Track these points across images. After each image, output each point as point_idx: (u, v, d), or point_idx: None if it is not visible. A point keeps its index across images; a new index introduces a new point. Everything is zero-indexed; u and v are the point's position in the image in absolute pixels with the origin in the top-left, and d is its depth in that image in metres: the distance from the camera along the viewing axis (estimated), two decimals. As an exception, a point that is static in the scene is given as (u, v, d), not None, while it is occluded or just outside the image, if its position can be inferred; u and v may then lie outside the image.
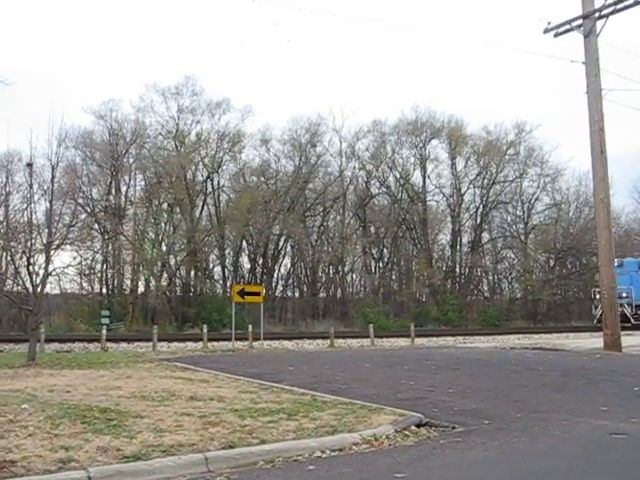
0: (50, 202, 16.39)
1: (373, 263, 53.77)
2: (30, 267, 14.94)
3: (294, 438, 6.83)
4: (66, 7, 72.58)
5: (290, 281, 52.01)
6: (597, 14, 19.02)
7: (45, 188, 16.66)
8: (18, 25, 68.31)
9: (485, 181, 55.35)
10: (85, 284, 43.60)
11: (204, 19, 75.74)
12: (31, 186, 16.31)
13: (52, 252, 15.29)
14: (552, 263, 56.75)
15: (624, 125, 67.47)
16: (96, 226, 45.98)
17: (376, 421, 7.69)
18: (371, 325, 25.31)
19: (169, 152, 48.52)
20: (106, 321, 22.89)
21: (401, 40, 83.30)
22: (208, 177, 49.25)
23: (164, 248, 44.81)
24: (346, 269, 52.67)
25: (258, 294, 23.54)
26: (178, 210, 47.75)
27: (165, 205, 49.76)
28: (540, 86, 78.12)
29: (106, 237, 43.81)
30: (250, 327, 22.44)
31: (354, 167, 53.84)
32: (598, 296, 37.97)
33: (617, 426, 7.66)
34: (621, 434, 7.24)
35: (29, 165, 16.66)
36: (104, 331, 21.01)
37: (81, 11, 72.62)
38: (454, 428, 7.66)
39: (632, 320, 38.65)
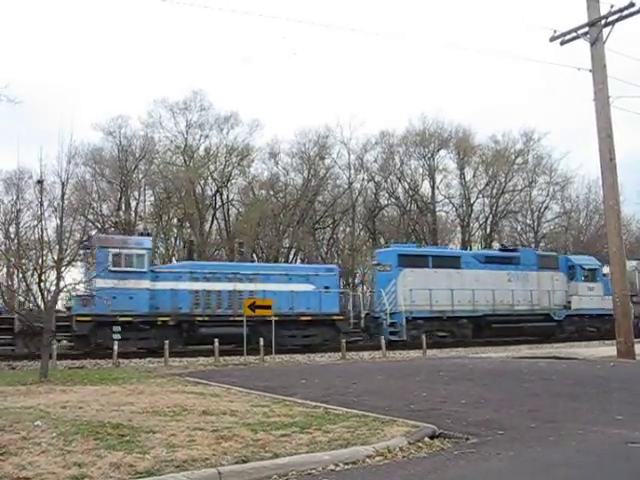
0: (60, 219, 16.45)
1: (384, 274, 53.66)
2: (41, 284, 14.99)
3: (307, 451, 6.80)
4: (74, 24, 73.28)
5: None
6: (603, 21, 19.00)
7: (55, 205, 16.73)
8: (27, 41, 68.99)
9: (494, 190, 55.34)
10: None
11: (211, 34, 76.32)
12: (41, 203, 16.39)
13: (63, 269, 15.35)
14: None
15: (633, 131, 67.29)
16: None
17: (389, 433, 7.64)
18: (382, 337, 25.20)
19: (178, 167, 48.79)
20: (117, 337, 22.84)
21: (408, 51, 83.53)
22: (217, 191, 49.43)
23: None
24: (357, 281, 52.61)
25: (269, 307, 23.49)
26: (188, 225, 47.91)
27: (175, 220, 49.98)
28: (548, 94, 78.12)
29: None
30: (261, 340, 22.42)
31: (363, 179, 54.03)
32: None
33: (633, 435, 7.58)
34: (637, 443, 7.16)
35: (39, 182, 16.74)
36: (116, 347, 21.01)
37: (89, 28, 73.26)
38: (468, 439, 7.60)
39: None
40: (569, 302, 34.22)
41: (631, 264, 38.18)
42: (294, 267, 31.48)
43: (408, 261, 30.10)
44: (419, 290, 29.42)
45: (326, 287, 28.19)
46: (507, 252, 34.98)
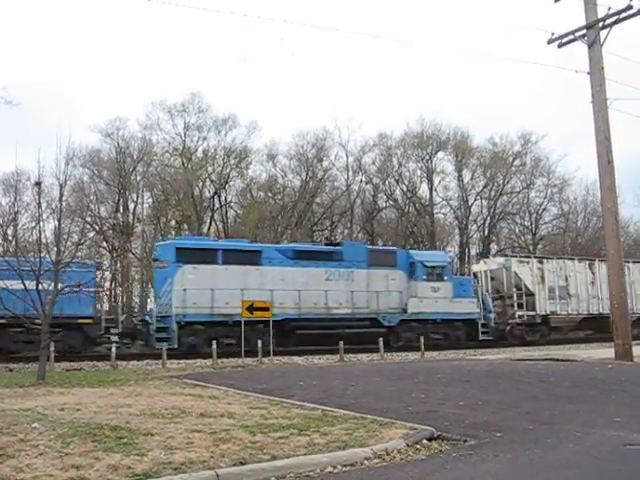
0: (58, 220, 16.45)
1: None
2: (39, 285, 14.97)
3: (305, 454, 6.80)
4: (73, 26, 73.30)
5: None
6: (600, 24, 19.02)
7: (53, 207, 16.78)
8: (26, 43, 68.99)
9: (492, 192, 55.42)
10: (94, 302, 43.73)
11: (209, 36, 76.34)
12: (39, 205, 16.37)
13: (61, 270, 15.34)
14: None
15: (631, 134, 67.36)
16: (104, 244, 46.21)
17: (387, 435, 7.64)
18: (380, 339, 25.16)
19: (176, 169, 48.80)
20: (115, 339, 22.80)
21: (406, 53, 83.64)
22: (215, 193, 49.44)
23: None
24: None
25: (267, 309, 23.44)
26: (186, 227, 47.90)
27: (173, 222, 49.96)
28: (546, 96, 78.24)
29: (114, 255, 43.99)
30: (259, 343, 22.40)
31: (361, 181, 54.08)
32: None
33: (631, 437, 7.58)
34: (635, 445, 7.16)
35: (37, 184, 16.71)
36: (113, 349, 20.99)
37: (87, 30, 73.28)
38: (466, 441, 7.60)
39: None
40: (407, 305, 29.41)
41: (498, 261, 34.68)
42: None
43: (189, 256, 25.45)
44: (199, 290, 24.67)
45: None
46: (327, 247, 30.45)
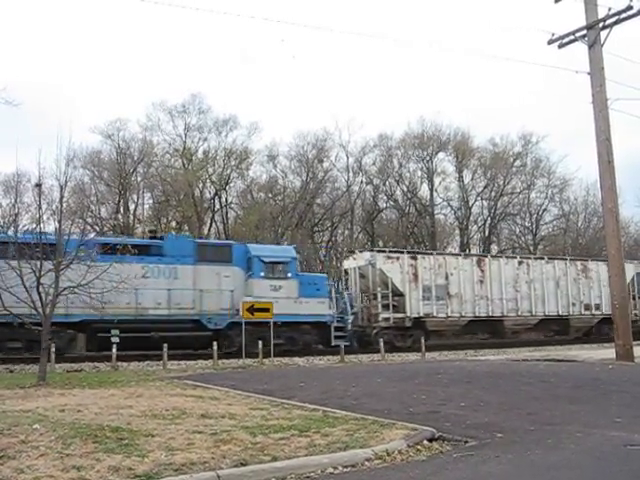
0: (59, 222, 16.41)
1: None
2: (40, 287, 14.96)
3: (306, 455, 6.79)
4: (73, 27, 73.33)
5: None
6: (601, 24, 19.02)
7: (54, 208, 16.70)
8: (26, 43, 69.02)
9: (493, 193, 55.43)
10: (95, 303, 43.73)
11: (210, 37, 76.33)
12: (40, 206, 16.32)
13: (61, 272, 15.32)
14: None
15: (632, 134, 67.32)
16: (105, 245, 46.08)
17: (388, 436, 7.63)
18: (381, 339, 25.16)
19: (177, 170, 48.84)
20: (116, 340, 22.75)
21: (406, 54, 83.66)
22: (216, 194, 49.48)
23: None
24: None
25: (268, 310, 23.41)
26: (186, 227, 47.92)
27: (173, 223, 49.97)
28: (546, 97, 78.22)
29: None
30: (260, 343, 22.39)
31: (361, 182, 54.09)
32: None
33: (632, 437, 7.58)
34: (636, 445, 7.16)
35: (38, 185, 16.69)
36: (114, 350, 20.97)
37: (88, 31, 73.28)
38: (467, 442, 7.59)
39: None
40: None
41: (365, 257, 30.64)
42: None
43: None
44: None
45: None
46: (144, 240, 27.71)
